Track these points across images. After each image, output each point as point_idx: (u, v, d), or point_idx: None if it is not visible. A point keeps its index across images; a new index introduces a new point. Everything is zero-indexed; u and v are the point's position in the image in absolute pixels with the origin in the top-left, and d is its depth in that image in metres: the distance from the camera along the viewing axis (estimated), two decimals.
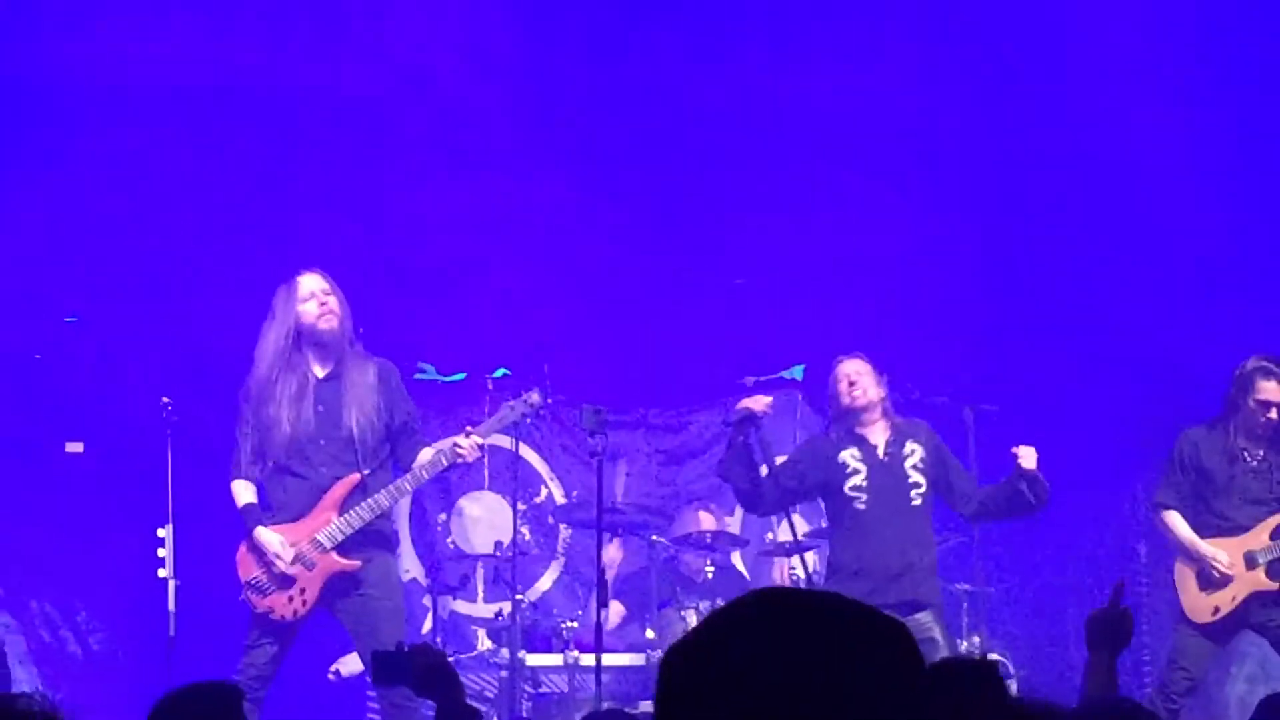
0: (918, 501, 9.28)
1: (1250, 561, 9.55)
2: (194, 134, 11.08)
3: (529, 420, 9.41)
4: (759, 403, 9.25)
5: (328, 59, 11.32)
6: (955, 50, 11.43)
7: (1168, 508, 9.76)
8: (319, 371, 9.00)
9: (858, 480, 9.21)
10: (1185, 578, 9.70)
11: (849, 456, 9.27)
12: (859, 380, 9.34)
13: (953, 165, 11.74)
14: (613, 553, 11.22)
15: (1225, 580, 9.55)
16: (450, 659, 5.66)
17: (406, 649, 5.35)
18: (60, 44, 10.72)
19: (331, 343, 8.99)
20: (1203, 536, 9.64)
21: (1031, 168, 11.66)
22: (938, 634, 9.10)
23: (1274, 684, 9.80)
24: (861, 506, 9.20)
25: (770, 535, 11.25)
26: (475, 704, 5.58)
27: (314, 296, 8.99)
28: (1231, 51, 11.49)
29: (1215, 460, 9.66)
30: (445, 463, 8.97)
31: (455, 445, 8.95)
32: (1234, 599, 9.58)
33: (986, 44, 11.39)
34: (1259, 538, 9.58)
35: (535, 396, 9.24)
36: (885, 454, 9.29)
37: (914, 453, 9.31)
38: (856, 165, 11.74)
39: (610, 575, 11.17)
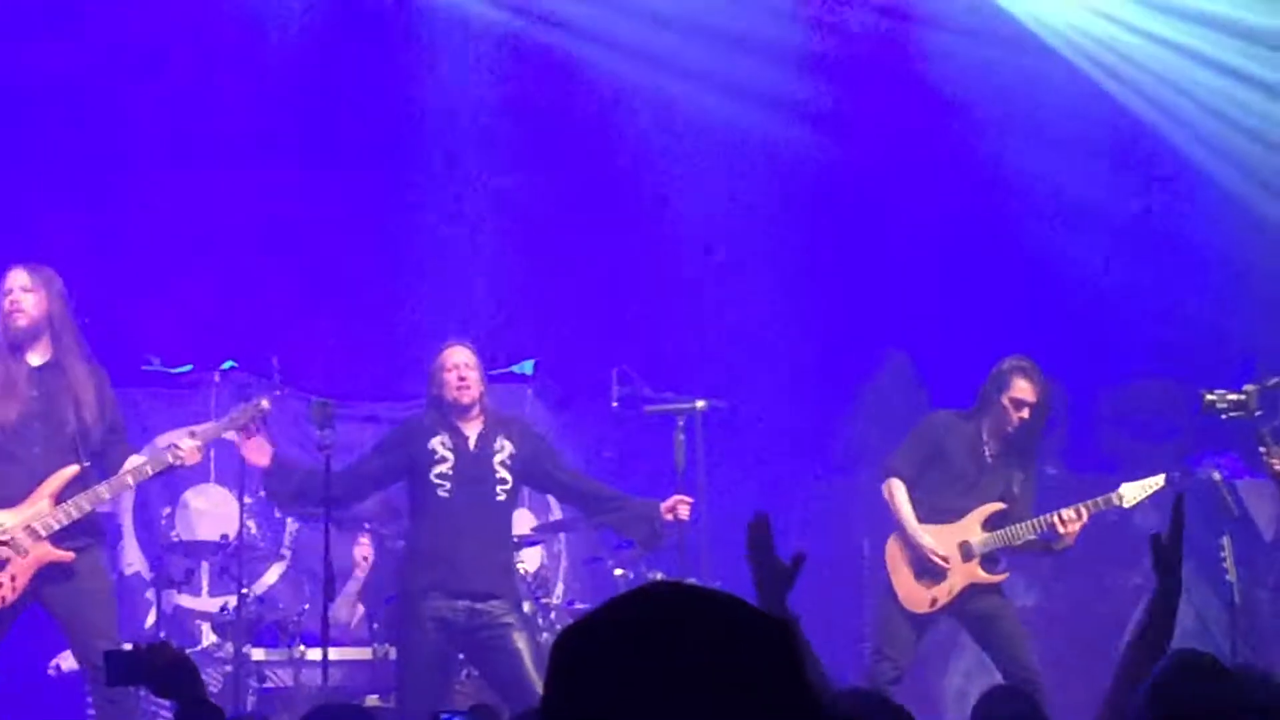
0: (502, 497, 9.22)
1: (967, 553, 9.57)
2: None
3: (255, 426, 9.28)
4: (262, 457, 9.10)
5: (47, 43, 11.14)
6: None
7: (898, 475, 9.68)
8: (32, 360, 8.88)
9: (444, 468, 9.10)
10: (899, 562, 9.65)
11: (439, 444, 9.14)
12: (468, 375, 9.24)
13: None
14: (365, 550, 11.07)
15: (943, 572, 9.54)
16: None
17: (144, 647, 5.22)
18: None
19: (30, 338, 8.87)
20: (922, 519, 9.61)
21: None
22: (513, 620, 9.04)
23: (992, 677, 9.70)
24: (445, 495, 9.10)
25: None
26: None
27: (9, 294, 8.84)
28: None
29: (956, 447, 9.70)
30: (171, 460, 8.88)
31: (175, 447, 8.88)
32: (951, 591, 9.59)
33: None
34: (972, 528, 9.61)
35: (265, 403, 9.18)
36: (476, 446, 9.19)
37: (504, 449, 9.23)
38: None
39: (361, 573, 11.03)
